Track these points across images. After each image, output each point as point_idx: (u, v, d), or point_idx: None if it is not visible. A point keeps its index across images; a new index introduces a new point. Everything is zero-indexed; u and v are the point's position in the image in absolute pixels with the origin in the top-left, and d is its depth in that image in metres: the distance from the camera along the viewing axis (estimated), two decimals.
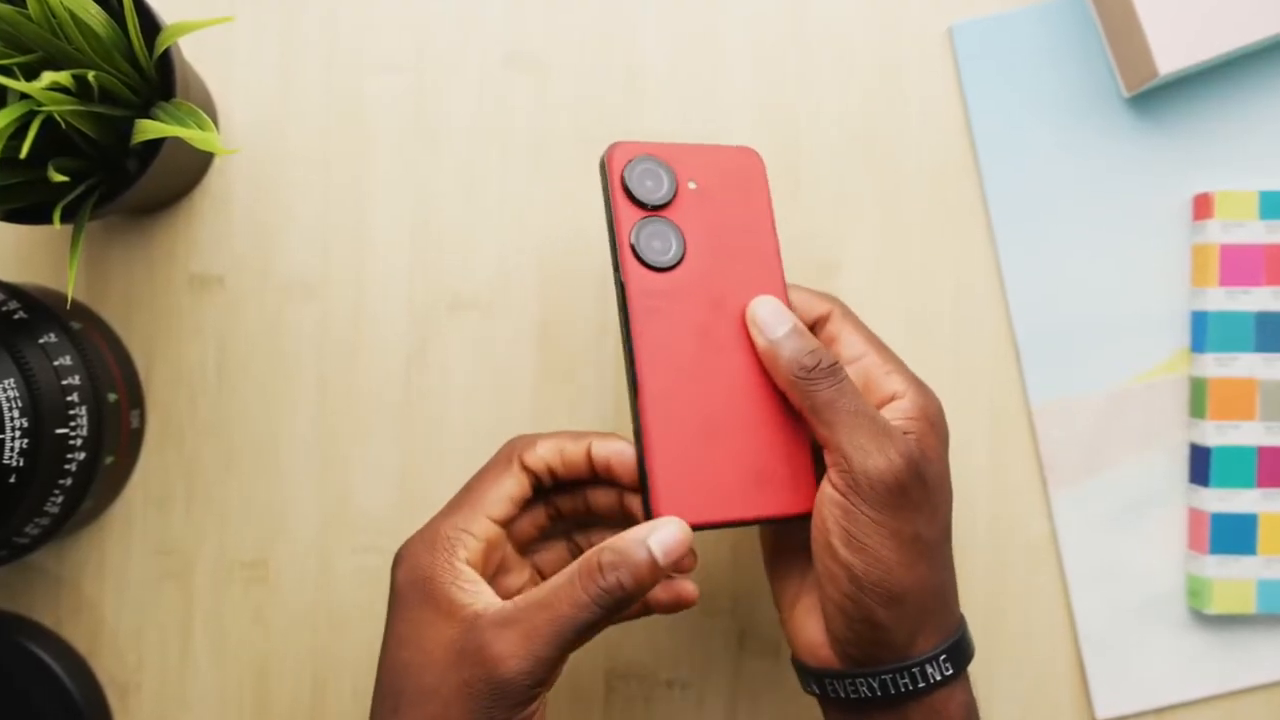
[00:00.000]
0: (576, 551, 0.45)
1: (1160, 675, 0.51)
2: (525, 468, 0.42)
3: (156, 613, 0.52)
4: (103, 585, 0.52)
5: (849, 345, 0.44)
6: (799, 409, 0.41)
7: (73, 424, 0.45)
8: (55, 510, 0.45)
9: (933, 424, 0.42)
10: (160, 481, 0.52)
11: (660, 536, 0.39)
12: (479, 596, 0.39)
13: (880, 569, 0.39)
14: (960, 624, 0.43)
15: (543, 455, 0.42)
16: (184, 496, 0.52)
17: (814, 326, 0.45)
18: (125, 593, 0.52)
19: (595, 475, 0.43)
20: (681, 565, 0.42)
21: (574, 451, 0.42)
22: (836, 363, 0.41)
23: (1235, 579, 0.50)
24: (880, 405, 0.43)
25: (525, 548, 0.44)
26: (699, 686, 0.52)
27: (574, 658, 0.52)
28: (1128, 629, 0.51)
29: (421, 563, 0.40)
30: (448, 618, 0.38)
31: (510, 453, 0.42)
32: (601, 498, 0.44)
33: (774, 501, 0.42)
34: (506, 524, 0.42)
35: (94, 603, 0.52)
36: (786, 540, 0.45)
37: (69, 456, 0.45)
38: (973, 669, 0.52)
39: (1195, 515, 0.51)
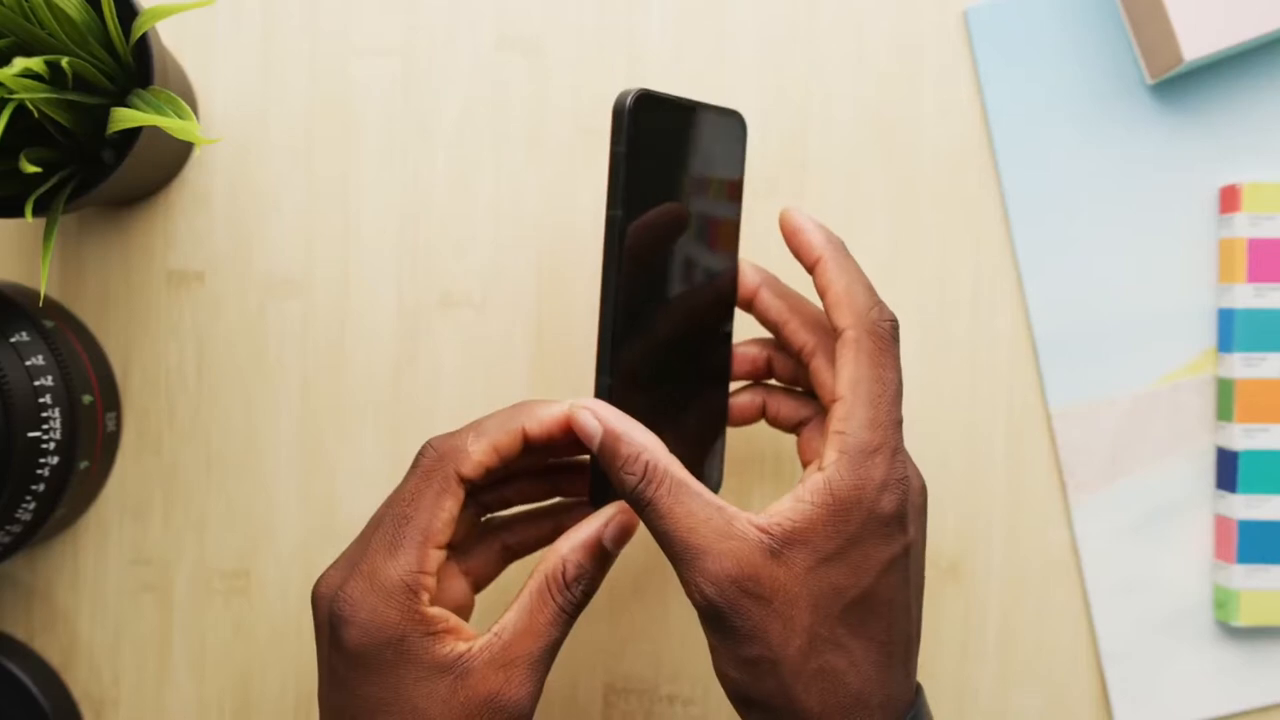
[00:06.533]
0: (506, 552, 0.45)
1: (1186, 691, 0.52)
2: (463, 479, 0.40)
3: (133, 625, 0.52)
4: (77, 596, 0.52)
5: (835, 380, 0.40)
6: None
7: (45, 427, 0.45)
8: (27, 517, 0.45)
9: (837, 514, 0.38)
10: (137, 488, 0.52)
11: (611, 532, 0.41)
12: (457, 638, 0.39)
13: (727, 682, 0.40)
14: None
15: (480, 462, 0.40)
16: (162, 503, 0.52)
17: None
18: (100, 604, 0.52)
19: (526, 458, 0.43)
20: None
21: (508, 443, 0.41)
22: (640, 481, 0.39)
23: (1264, 589, 0.50)
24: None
25: (455, 552, 0.44)
26: (702, 702, 0.52)
27: (572, 672, 0.52)
28: (1152, 642, 0.52)
29: (383, 620, 0.38)
30: (433, 670, 0.38)
31: (441, 467, 0.40)
32: (527, 490, 0.45)
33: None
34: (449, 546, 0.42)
35: (68, 615, 0.52)
36: None
37: (41, 461, 0.45)
38: (987, 685, 0.52)
39: (1222, 523, 0.51)
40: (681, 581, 0.39)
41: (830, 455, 0.39)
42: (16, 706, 0.49)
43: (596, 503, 0.42)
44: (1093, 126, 0.52)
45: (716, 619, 0.38)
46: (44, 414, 0.45)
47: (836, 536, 0.38)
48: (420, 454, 0.41)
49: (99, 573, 0.52)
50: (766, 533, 0.38)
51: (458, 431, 0.41)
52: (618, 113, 0.40)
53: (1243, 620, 0.50)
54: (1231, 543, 0.50)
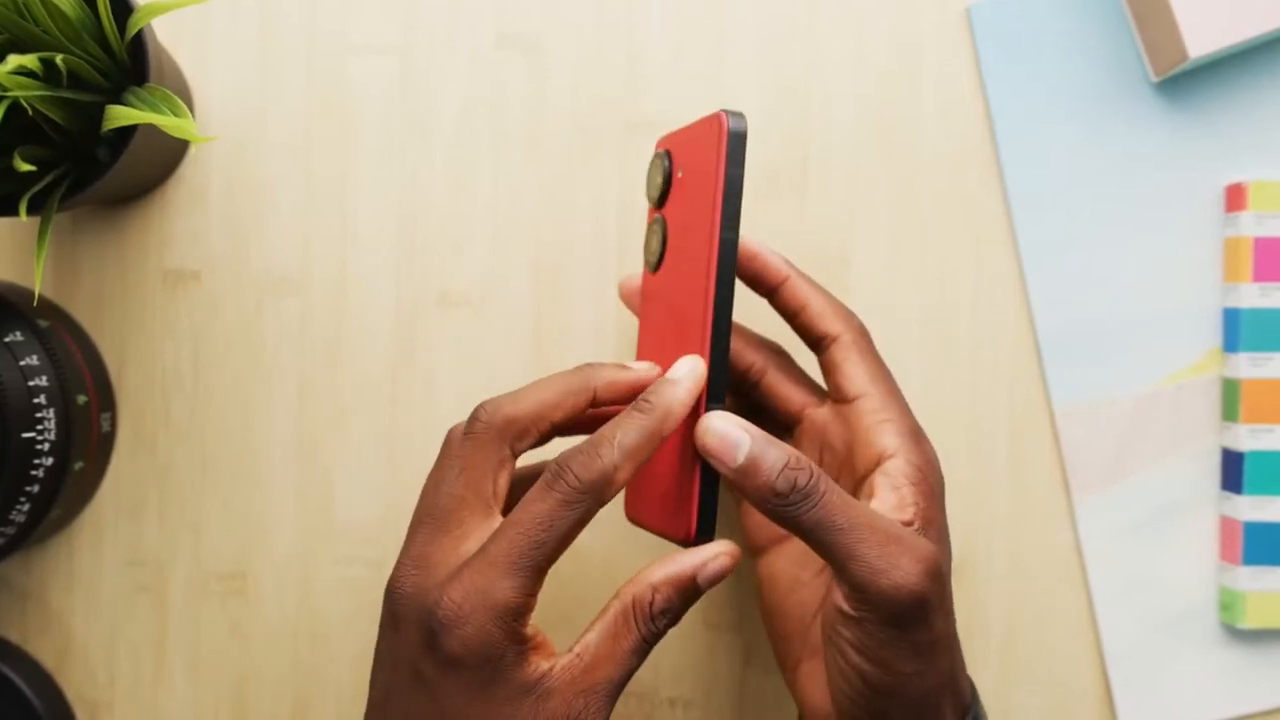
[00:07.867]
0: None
1: (1191, 694, 0.51)
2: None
3: (128, 627, 0.52)
4: (72, 598, 0.52)
5: (848, 380, 0.43)
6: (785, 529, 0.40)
7: (40, 427, 0.45)
8: (21, 519, 0.45)
9: (930, 486, 0.41)
10: (132, 489, 0.52)
11: (710, 571, 0.40)
12: (541, 655, 0.39)
13: (897, 679, 0.39)
14: (971, 700, 0.42)
15: (621, 486, 0.40)
16: (157, 505, 0.52)
17: (815, 345, 0.44)
18: (95, 606, 0.52)
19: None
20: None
21: (646, 459, 0.40)
22: (811, 476, 0.39)
23: (1270, 591, 0.50)
24: (871, 464, 0.42)
25: None
26: (703, 705, 0.52)
27: None
28: (1156, 645, 0.51)
29: (487, 637, 0.38)
30: (519, 690, 0.38)
31: (584, 500, 0.38)
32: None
33: (671, 522, 0.42)
34: None
35: (62, 617, 0.52)
36: (781, 599, 0.45)
37: (36, 462, 0.45)
38: (990, 688, 0.52)
39: (1227, 524, 0.51)
40: (868, 572, 0.38)
41: (891, 442, 0.42)
42: (10, 709, 0.49)
43: (702, 536, 0.41)
44: (1096, 124, 0.52)
45: (915, 607, 0.38)
46: (39, 415, 0.45)
47: (941, 512, 0.42)
48: (557, 474, 0.39)
49: (94, 574, 0.52)
50: (910, 523, 0.40)
51: (592, 449, 0.39)
52: (738, 135, 0.40)
53: (1249, 623, 0.50)
54: (1237, 544, 0.50)
